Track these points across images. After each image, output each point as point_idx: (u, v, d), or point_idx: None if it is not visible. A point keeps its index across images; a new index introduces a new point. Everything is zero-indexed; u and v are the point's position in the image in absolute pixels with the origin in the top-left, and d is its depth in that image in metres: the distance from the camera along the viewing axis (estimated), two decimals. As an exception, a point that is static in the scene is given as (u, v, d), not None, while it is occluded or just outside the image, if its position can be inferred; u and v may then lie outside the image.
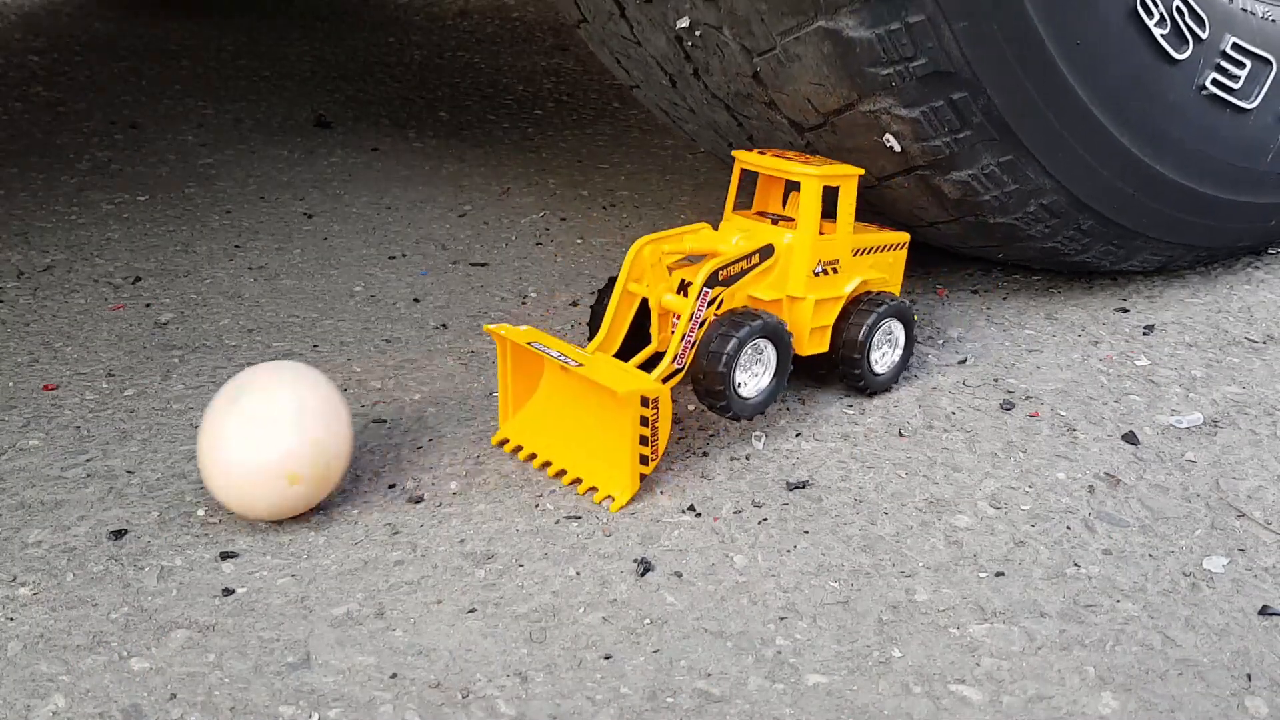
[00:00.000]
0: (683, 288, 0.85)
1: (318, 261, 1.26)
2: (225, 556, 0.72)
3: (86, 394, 0.93)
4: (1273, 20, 1.05)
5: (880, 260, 0.95)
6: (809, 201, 0.87)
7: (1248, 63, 1.03)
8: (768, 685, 0.60)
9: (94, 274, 1.20)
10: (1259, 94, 1.05)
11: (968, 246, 1.10)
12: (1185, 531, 0.74)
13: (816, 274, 0.88)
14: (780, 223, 0.90)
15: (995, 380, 0.95)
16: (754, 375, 0.84)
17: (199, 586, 0.69)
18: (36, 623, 0.65)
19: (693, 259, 0.89)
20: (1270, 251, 1.23)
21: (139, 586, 0.68)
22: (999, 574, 0.70)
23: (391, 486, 0.80)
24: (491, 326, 0.80)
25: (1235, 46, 1.02)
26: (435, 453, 0.84)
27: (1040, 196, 0.99)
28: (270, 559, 0.71)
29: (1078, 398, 0.92)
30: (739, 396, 0.83)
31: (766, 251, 0.87)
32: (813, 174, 0.87)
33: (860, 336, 0.89)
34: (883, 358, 0.92)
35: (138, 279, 1.19)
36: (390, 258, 1.27)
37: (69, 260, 1.24)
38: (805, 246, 0.87)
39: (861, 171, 0.92)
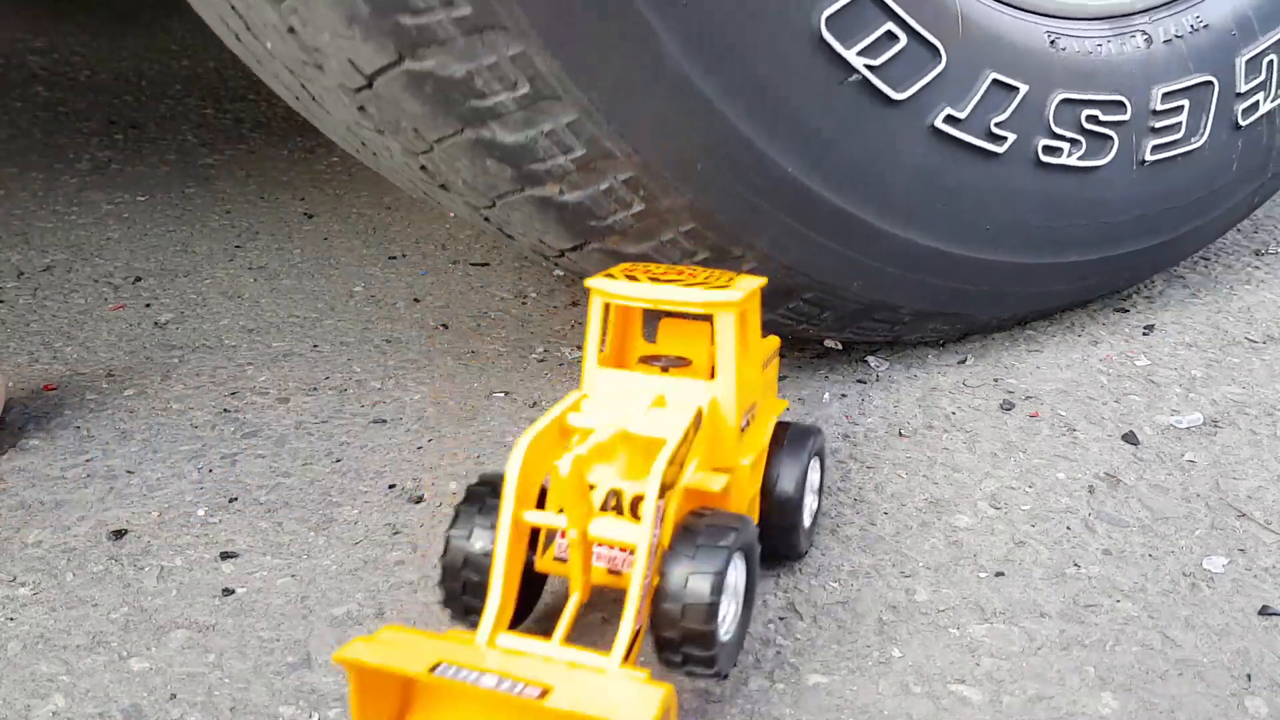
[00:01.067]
0: (608, 502, 0.60)
1: (317, 261, 1.26)
2: (225, 556, 0.72)
3: (86, 394, 0.93)
4: (1205, 26, 0.94)
5: (770, 377, 0.74)
6: (729, 341, 0.64)
7: (1185, 100, 0.94)
8: (768, 685, 0.60)
9: (94, 274, 1.20)
10: (1206, 124, 0.95)
11: None
12: (1185, 531, 0.74)
13: (743, 429, 0.66)
14: (672, 370, 0.68)
15: (995, 380, 0.95)
16: (727, 608, 0.58)
17: (199, 586, 0.69)
18: (36, 623, 0.65)
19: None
20: (1272, 251, 1.23)
21: (139, 586, 0.68)
22: (999, 574, 0.70)
23: (391, 486, 0.80)
24: (341, 654, 0.50)
25: (1166, 96, 0.92)
26: (435, 453, 0.84)
27: (955, 323, 0.97)
28: (270, 559, 0.71)
29: (1078, 398, 0.92)
30: (721, 643, 0.57)
31: (698, 422, 0.61)
32: (731, 303, 0.63)
33: (792, 491, 0.68)
34: (809, 507, 0.71)
35: (138, 279, 1.19)
36: (390, 258, 1.27)
37: (69, 260, 1.24)
38: (731, 401, 0.64)
39: (765, 280, 0.70)
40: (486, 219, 0.83)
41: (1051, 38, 0.87)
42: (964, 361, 0.99)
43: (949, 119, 0.82)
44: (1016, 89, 0.85)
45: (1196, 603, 0.67)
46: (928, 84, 0.81)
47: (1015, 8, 0.86)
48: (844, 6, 0.75)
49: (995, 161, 0.86)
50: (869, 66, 0.77)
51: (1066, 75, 0.88)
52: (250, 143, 1.74)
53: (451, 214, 0.95)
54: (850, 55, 0.76)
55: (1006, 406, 0.91)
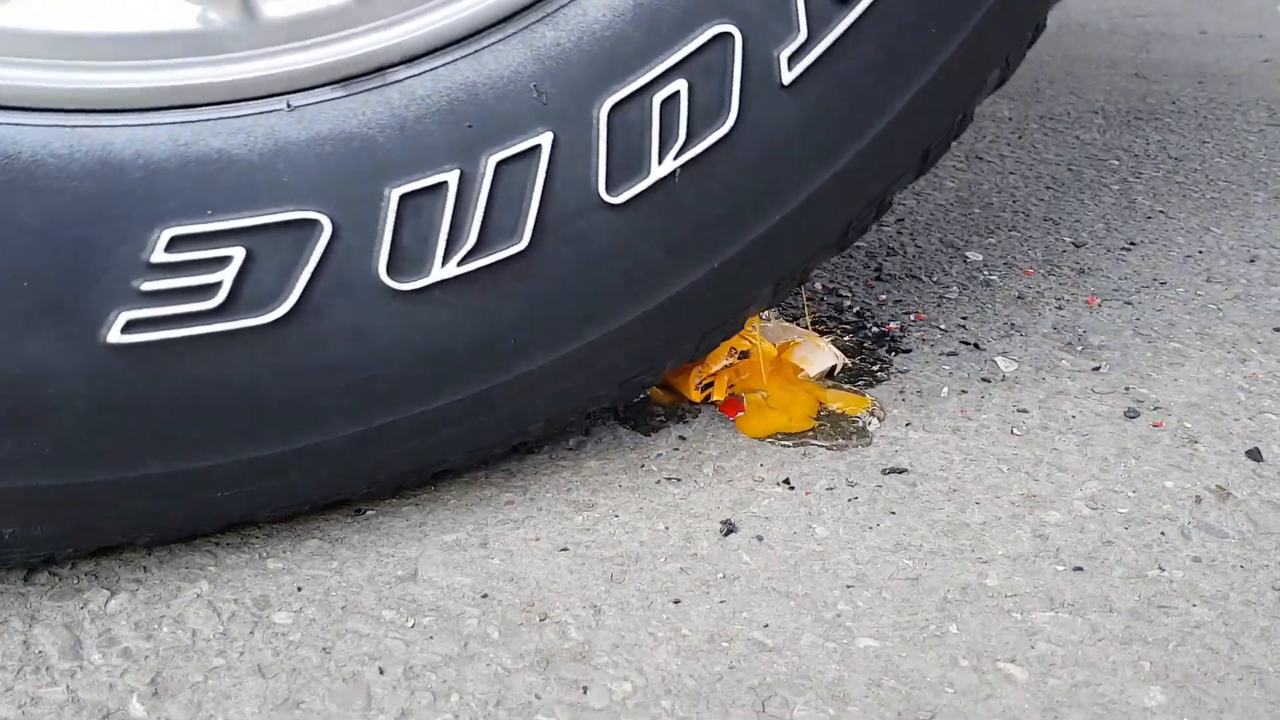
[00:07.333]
0: None
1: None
2: (362, 484, 0.81)
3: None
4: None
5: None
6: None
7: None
8: (819, 643, 0.64)
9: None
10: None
11: None
12: (1289, 549, 0.73)
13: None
14: None
15: (1126, 389, 0.94)
16: None
17: (336, 506, 0.78)
18: (198, 522, 0.76)
19: None
20: None
21: (286, 501, 0.78)
22: (1077, 569, 0.71)
23: (517, 438, 0.87)
24: None
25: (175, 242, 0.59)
26: (562, 412, 0.91)
27: None
28: (401, 489, 0.80)
29: (1209, 411, 0.90)
30: None
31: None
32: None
33: None
34: None
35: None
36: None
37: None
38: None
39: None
40: None
41: None
42: (1098, 369, 0.98)
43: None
44: None
45: (1279, 615, 0.66)
46: None
47: None
48: None
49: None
50: None
51: None
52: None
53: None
54: None
55: (1131, 415, 0.90)
